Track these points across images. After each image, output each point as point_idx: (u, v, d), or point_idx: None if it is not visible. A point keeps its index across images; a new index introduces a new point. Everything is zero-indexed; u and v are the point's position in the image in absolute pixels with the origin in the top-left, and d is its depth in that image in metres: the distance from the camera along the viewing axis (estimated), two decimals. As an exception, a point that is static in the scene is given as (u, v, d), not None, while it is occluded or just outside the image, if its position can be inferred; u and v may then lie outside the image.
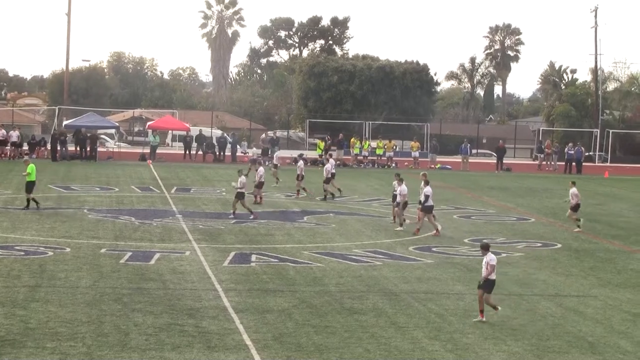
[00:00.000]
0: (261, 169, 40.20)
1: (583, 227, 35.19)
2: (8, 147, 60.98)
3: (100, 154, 63.22)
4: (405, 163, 67.91)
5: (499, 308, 20.59)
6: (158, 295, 21.52)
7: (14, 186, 43.43)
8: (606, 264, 28.73)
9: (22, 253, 26.43)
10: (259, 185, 39.65)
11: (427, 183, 33.21)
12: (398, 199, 33.56)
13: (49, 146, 62.13)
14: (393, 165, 67.09)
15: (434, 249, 29.77)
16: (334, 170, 43.71)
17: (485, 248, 20.56)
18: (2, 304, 20.15)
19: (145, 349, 17.15)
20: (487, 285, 20.26)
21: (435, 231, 32.77)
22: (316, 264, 26.41)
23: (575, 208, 35.61)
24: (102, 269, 24.41)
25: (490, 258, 20.22)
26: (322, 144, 67.73)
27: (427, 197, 32.62)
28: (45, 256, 26.04)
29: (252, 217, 34.98)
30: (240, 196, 35.24)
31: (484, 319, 20.07)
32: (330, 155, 50.12)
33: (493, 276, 20.25)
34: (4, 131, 61.41)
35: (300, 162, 44.79)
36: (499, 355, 17.91)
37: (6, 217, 33.31)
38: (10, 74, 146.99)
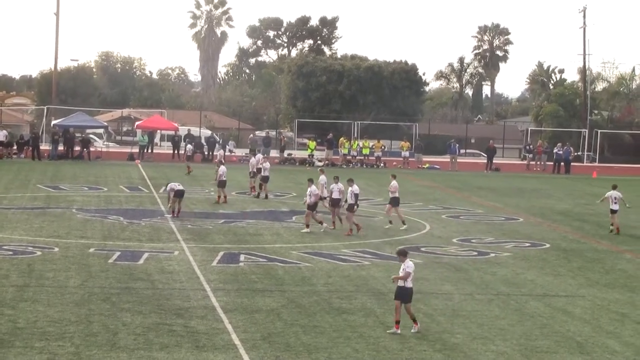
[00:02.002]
0: (222, 168, 40.12)
1: (574, 227, 35.12)
2: (-4, 147, 60.88)
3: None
4: (394, 163, 67.92)
5: (417, 327, 19.13)
6: (146, 295, 21.50)
7: (2, 186, 43.39)
8: (594, 264, 28.79)
9: (10, 253, 26.34)
10: (221, 184, 39.69)
11: (352, 182, 33.18)
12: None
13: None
14: (382, 165, 67.09)
15: (422, 249, 29.78)
16: (266, 173, 42.05)
17: (403, 254, 19.27)
18: (-10, 303, 20.12)
19: (133, 348, 17.14)
20: (404, 294, 19.06)
21: (349, 231, 32.49)
22: (305, 264, 26.41)
23: (395, 202, 34.75)
24: (91, 269, 24.36)
25: (407, 265, 19.09)
26: (312, 144, 67.80)
27: (356, 195, 32.60)
28: (33, 256, 25.96)
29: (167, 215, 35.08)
30: (178, 194, 35.11)
31: (399, 331, 18.96)
32: (259, 151, 52.17)
33: (409, 284, 19.06)
34: (-8, 131, 61.33)
35: (253, 160, 45.00)
36: (487, 355, 17.94)
37: (-6, 217, 33.24)
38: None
